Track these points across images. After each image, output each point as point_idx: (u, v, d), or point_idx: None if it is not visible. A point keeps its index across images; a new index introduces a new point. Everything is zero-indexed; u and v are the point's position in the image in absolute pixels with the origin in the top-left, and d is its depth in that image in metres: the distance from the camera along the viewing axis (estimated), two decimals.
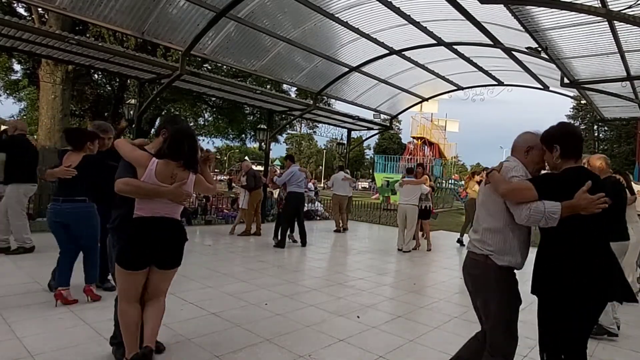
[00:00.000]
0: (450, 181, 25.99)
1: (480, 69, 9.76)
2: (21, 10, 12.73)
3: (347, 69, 9.62)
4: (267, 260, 6.40)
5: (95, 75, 15.02)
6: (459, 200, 21.89)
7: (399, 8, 6.95)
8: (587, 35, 6.01)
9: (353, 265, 6.73)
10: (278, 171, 10.79)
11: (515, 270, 2.32)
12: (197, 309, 3.93)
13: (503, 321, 2.26)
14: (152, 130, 18.46)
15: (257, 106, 12.12)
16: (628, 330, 3.64)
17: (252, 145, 26.09)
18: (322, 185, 40.08)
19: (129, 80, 12.76)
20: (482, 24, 6.77)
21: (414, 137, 29.09)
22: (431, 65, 9.88)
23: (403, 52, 9.04)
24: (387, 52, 8.97)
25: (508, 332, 2.26)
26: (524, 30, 5.73)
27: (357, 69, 9.64)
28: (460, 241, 9.35)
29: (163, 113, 17.51)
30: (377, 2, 6.73)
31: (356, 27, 7.82)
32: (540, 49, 6.31)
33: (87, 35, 11.38)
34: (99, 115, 15.34)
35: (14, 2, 12.04)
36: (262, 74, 9.16)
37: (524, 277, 2.30)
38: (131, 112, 9.38)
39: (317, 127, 16.09)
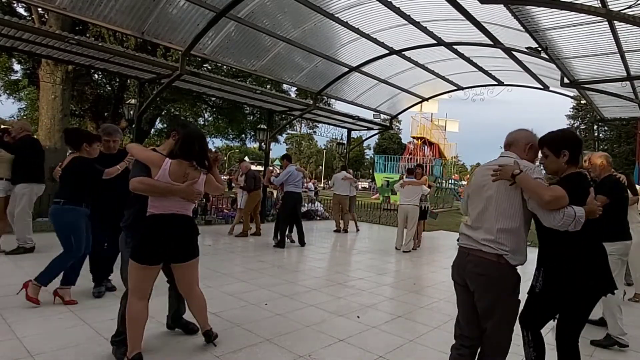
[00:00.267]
0: (450, 181, 26.00)
1: (480, 69, 9.76)
2: (21, 10, 12.73)
3: (347, 69, 9.62)
4: (267, 260, 6.40)
5: (95, 75, 15.02)
6: (459, 200, 21.90)
7: (399, 8, 6.95)
8: (587, 35, 6.01)
9: (353, 265, 6.73)
10: (276, 171, 10.79)
11: None
12: None
13: (510, 321, 2.25)
14: (152, 130, 18.49)
15: (257, 106, 12.11)
16: (628, 331, 3.63)
17: (252, 145, 26.11)
18: (322, 185, 40.10)
19: (129, 80, 12.77)
20: (482, 24, 6.77)
21: (414, 137, 29.11)
22: (431, 65, 9.88)
23: (403, 52, 9.04)
24: (387, 52, 8.97)
25: (511, 331, 2.27)
26: (524, 30, 5.73)
27: (357, 69, 9.63)
28: None
29: (163, 113, 17.53)
30: (377, 2, 6.73)
31: (356, 27, 7.82)
32: (540, 49, 6.30)
33: (87, 35, 11.39)
34: (99, 115, 15.35)
35: (14, 2, 12.04)
36: (262, 74, 9.16)
37: (524, 277, 2.31)
38: (131, 112, 9.39)
39: (317, 127, 16.09)
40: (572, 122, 40.34)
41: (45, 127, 9.61)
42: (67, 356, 2.81)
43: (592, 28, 5.78)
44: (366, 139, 15.07)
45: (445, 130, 31.04)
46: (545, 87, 10.06)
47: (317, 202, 14.13)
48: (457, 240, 2.47)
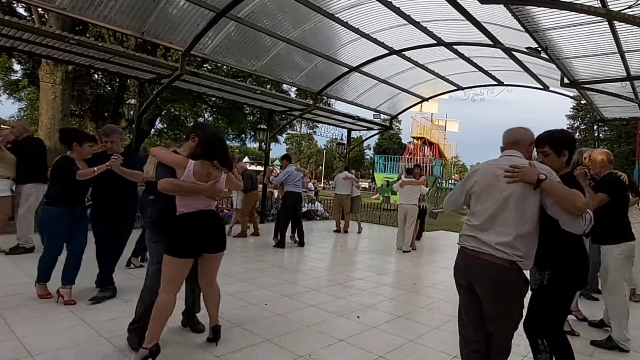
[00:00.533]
0: (450, 181, 25.97)
1: (480, 69, 9.76)
2: (21, 10, 12.75)
3: (347, 69, 9.62)
4: (267, 260, 6.40)
5: (95, 75, 15.04)
6: None
7: (399, 8, 6.95)
8: (587, 35, 6.01)
9: (353, 265, 6.74)
10: (276, 171, 10.78)
11: None
12: None
13: (516, 322, 2.23)
14: (152, 130, 18.50)
15: (257, 106, 12.11)
16: (630, 331, 3.63)
17: (252, 145, 26.12)
18: (322, 185, 40.08)
19: (129, 80, 12.78)
20: (482, 24, 6.77)
21: (414, 137, 29.10)
22: (431, 65, 9.88)
23: (403, 52, 9.03)
24: (387, 52, 8.96)
25: (514, 332, 2.25)
26: (524, 30, 5.73)
27: (357, 69, 9.63)
28: None
29: (163, 113, 17.55)
30: (377, 2, 6.72)
31: (356, 27, 7.82)
32: (540, 49, 6.30)
33: (87, 35, 11.40)
34: (99, 115, 15.36)
35: (14, 2, 12.04)
36: (262, 74, 9.15)
37: None
38: (131, 112, 9.39)
39: (317, 127, 16.09)
40: (572, 122, 40.37)
41: (45, 127, 9.63)
42: (67, 356, 2.81)
43: (592, 28, 5.78)
44: (366, 139, 15.07)
45: (445, 130, 31.03)
46: (545, 87, 10.06)
47: (317, 202, 14.13)
48: (458, 241, 2.39)
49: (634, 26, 4.74)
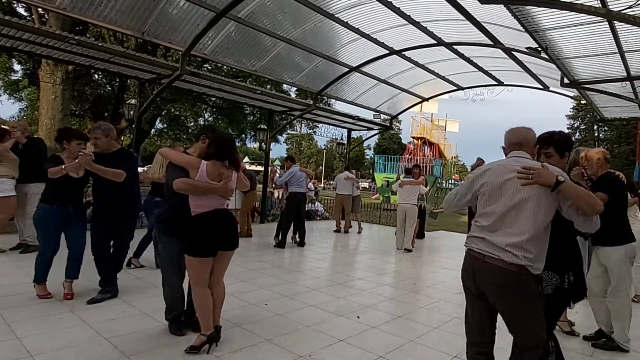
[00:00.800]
0: (450, 181, 25.96)
1: (480, 69, 9.76)
2: (21, 10, 12.76)
3: (347, 69, 9.62)
4: (267, 261, 6.40)
5: (96, 76, 15.06)
6: None
7: (399, 8, 6.95)
8: (587, 35, 6.01)
9: (353, 265, 6.74)
10: (279, 171, 10.78)
11: None
12: None
13: (541, 317, 2.16)
14: (152, 130, 18.52)
15: (257, 106, 12.11)
16: (630, 331, 3.62)
17: (252, 145, 26.15)
18: (322, 185, 40.06)
19: (129, 81, 12.78)
20: (482, 24, 6.77)
21: (414, 137, 29.10)
22: (431, 65, 9.88)
23: (403, 52, 9.03)
24: (387, 52, 8.97)
25: (543, 324, 2.19)
26: (524, 30, 5.72)
27: (357, 69, 9.63)
28: None
29: (163, 113, 17.57)
30: (377, 2, 6.72)
31: (356, 27, 7.82)
32: (540, 49, 6.30)
33: (87, 35, 11.40)
34: (99, 115, 15.38)
35: (14, 2, 12.05)
36: (262, 74, 9.15)
37: None
38: (131, 112, 9.38)
39: (317, 127, 16.09)
40: (572, 122, 40.37)
41: (45, 127, 9.63)
42: (67, 356, 2.81)
43: (592, 28, 5.78)
44: (366, 139, 15.08)
45: (445, 130, 31.03)
46: (545, 87, 10.06)
47: (317, 202, 14.12)
48: (465, 243, 2.33)
49: (634, 26, 4.74)
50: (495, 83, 10.81)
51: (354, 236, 9.92)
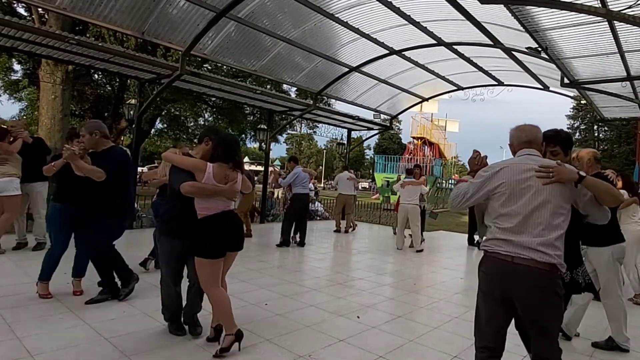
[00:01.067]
0: (450, 181, 25.96)
1: (480, 69, 9.76)
2: (21, 10, 12.76)
3: (347, 69, 9.62)
4: (267, 261, 6.40)
5: (96, 76, 15.05)
6: None
7: (399, 8, 6.95)
8: (587, 35, 6.01)
9: (353, 265, 6.74)
10: (282, 173, 10.77)
11: None
12: None
13: (560, 325, 2.18)
14: (152, 130, 18.51)
15: (257, 106, 12.11)
16: (629, 331, 3.62)
17: (252, 145, 26.14)
18: (321, 185, 40.07)
19: (129, 80, 12.78)
20: (482, 24, 6.77)
21: (414, 137, 29.08)
22: (431, 65, 9.88)
23: (403, 52, 9.04)
24: (387, 52, 8.97)
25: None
26: (524, 30, 5.73)
27: (357, 69, 9.63)
28: (477, 242, 8.75)
29: (163, 113, 17.56)
30: (377, 2, 6.73)
31: (356, 27, 7.82)
32: (540, 49, 6.31)
33: (87, 35, 11.40)
34: (99, 115, 15.38)
35: (14, 2, 12.05)
36: (262, 74, 9.15)
37: None
38: (131, 112, 9.38)
39: (317, 127, 16.10)
40: (572, 122, 40.35)
41: (45, 127, 9.63)
42: (67, 356, 2.81)
43: (592, 28, 5.79)
44: (366, 139, 15.09)
45: (445, 130, 31.02)
46: (545, 87, 10.06)
47: (317, 202, 14.12)
48: (484, 245, 2.25)
49: (634, 26, 4.74)
50: (495, 83, 10.81)
51: (354, 236, 9.91)
